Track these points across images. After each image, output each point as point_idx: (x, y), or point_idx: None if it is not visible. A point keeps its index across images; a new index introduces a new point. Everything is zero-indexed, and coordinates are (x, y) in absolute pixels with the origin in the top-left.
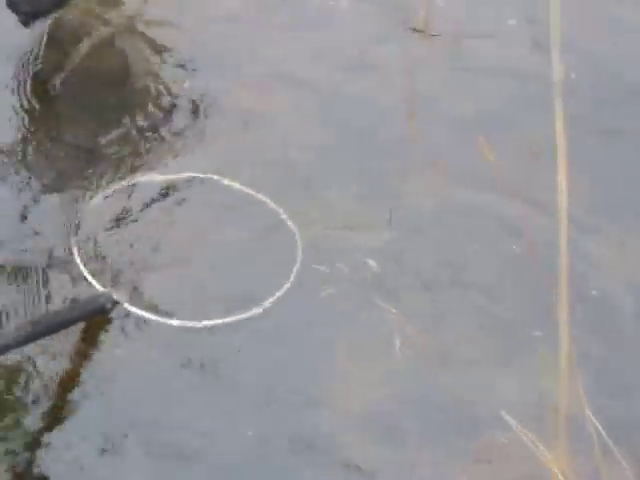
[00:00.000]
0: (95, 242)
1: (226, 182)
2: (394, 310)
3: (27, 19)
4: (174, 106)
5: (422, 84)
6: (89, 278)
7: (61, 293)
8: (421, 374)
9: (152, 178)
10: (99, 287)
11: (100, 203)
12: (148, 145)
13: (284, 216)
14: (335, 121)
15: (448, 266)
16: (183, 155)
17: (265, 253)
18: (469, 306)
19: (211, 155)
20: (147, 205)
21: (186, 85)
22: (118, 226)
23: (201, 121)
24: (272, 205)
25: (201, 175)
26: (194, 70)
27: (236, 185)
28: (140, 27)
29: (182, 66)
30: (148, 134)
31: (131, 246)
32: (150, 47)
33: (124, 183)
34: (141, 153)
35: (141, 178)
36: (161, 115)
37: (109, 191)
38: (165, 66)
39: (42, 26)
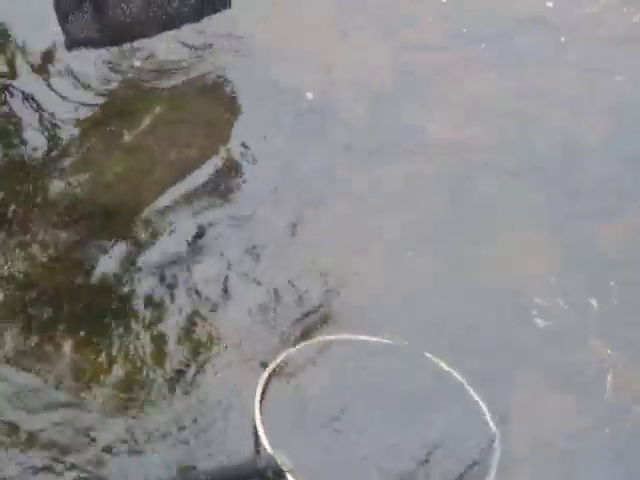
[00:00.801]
0: (276, 396)
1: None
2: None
3: (72, 44)
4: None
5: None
6: (262, 436)
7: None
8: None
9: (346, 338)
10: (268, 447)
11: (289, 357)
12: None
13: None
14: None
15: None
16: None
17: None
18: None
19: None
20: (334, 367)
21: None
22: (301, 385)
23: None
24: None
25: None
26: (393, 100)
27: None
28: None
29: (379, 95)
30: None
31: (313, 409)
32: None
33: (317, 340)
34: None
35: (332, 337)
36: None
37: (298, 346)
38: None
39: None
